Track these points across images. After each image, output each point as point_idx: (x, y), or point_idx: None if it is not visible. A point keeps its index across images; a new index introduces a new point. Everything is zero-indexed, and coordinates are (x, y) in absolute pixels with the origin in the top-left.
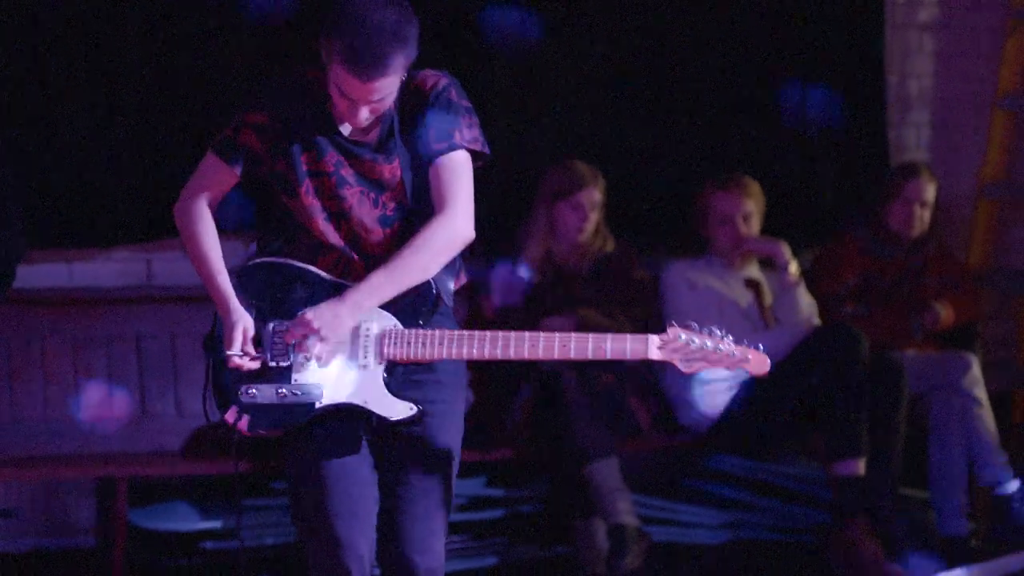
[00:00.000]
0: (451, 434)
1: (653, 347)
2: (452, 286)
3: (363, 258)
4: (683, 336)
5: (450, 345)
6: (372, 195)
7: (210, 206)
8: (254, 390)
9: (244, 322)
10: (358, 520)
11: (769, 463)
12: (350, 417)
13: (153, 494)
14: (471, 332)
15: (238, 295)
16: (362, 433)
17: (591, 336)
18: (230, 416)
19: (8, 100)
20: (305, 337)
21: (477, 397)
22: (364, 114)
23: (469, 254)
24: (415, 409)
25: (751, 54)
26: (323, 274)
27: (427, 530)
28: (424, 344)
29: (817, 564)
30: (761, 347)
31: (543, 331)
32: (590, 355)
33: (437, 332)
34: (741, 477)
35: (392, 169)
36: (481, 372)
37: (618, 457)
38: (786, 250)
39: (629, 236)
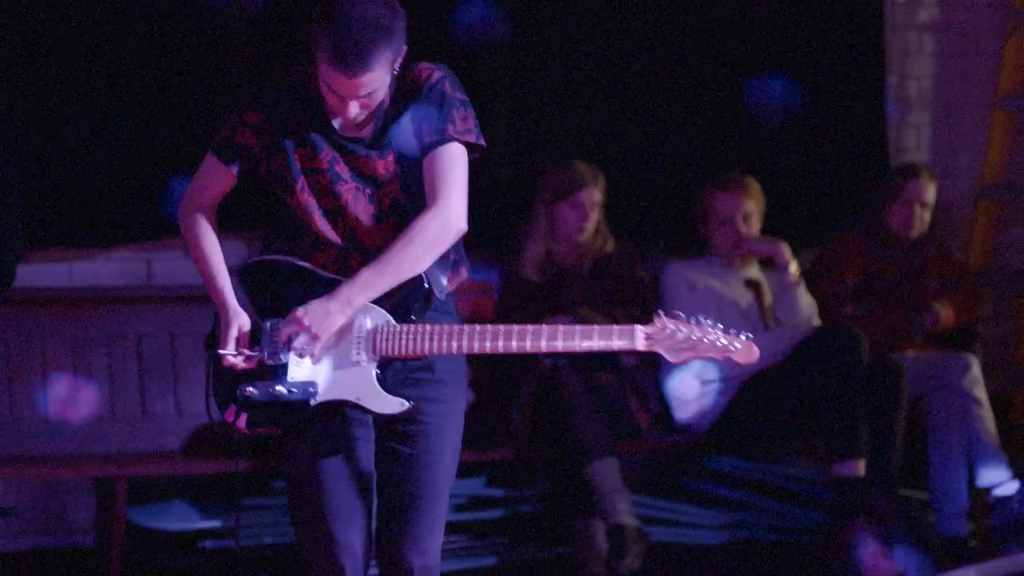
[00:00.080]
0: (450, 433)
1: (640, 338)
2: (445, 281)
3: (361, 254)
4: (670, 326)
5: (440, 340)
6: (368, 191)
7: (211, 206)
8: (251, 388)
9: (239, 321)
10: (354, 519)
11: (769, 463)
12: (347, 415)
13: (152, 493)
14: (461, 326)
15: (238, 294)
16: (360, 431)
17: (579, 328)
18: (229, 415)
19: (8, 100)
20: (297, 334)
21: (477, 396)
22: (354, 109)
23: (464, 248)
24: (407, 404)
25: (752, 55)
26: (320, 271)
27: (423, 529)
28: (415, 339)
29: (816, 565)
30: (749, 336)
31: None
32: (578, 347)
33: (428, 327)
34: (741, 478)
35: (387, 164)
36: (481, 371)
37: (618, 457)
38: (786, 250)
39: (629, 236)
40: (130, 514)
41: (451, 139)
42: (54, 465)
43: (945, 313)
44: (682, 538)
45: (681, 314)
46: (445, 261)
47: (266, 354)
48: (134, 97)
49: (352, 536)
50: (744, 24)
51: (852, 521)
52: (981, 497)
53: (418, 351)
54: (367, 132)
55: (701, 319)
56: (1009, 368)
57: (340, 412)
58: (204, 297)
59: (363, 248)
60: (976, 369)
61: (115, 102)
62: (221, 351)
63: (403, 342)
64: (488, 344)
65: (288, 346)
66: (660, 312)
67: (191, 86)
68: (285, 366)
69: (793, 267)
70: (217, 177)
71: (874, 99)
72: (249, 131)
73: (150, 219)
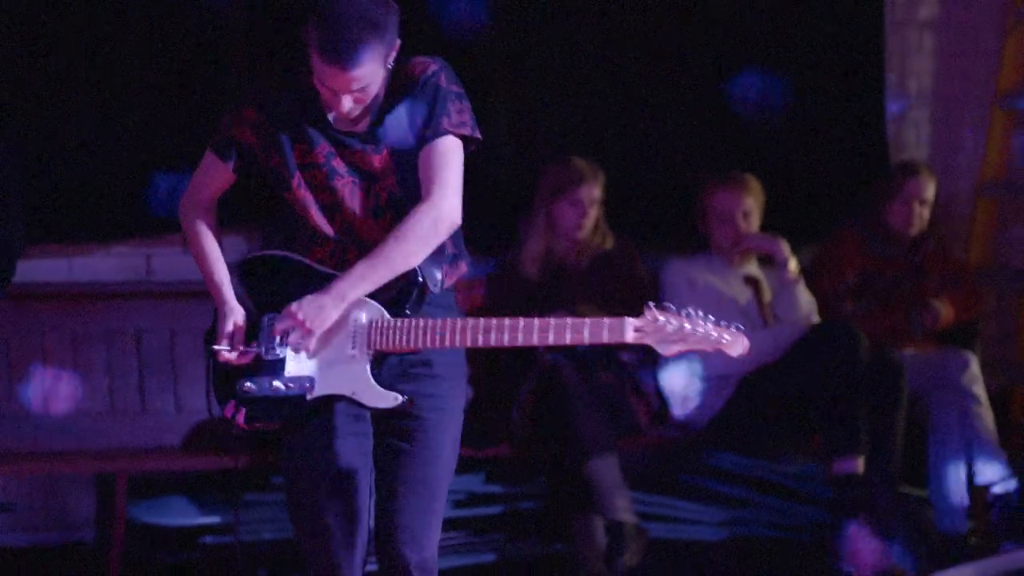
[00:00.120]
0: (448, 429)
1: (629, 330)
2: (440, 275)
3: (359, 248)
4: (659, 319)
5: (432, 334)
6: (364, 185)
7: (211, 202)
8: (250, 383)
9: (235, 316)
10: (351, 514)
11: (768, 460)
12: (346, 410)
13: (152, 489)
14: (453, 320)
15: (237, 289)
16: (358, 426)
17: (569, 321)
18: (228, 410)
19: (8, 96)
20: (292, 329)
21: (477, 393)
22: (347, 104)
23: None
24: (400, 399)
25: (751, 52)
26: (316, 266)
27: (421, 525)
28: (408, 333)
29: (816, 562)
30: (740, 328)
31: None
32: (568, 340)
33: (421, 321)
34: (740, 474)
35: (382, 158)
36: (481, 368)
37: (617, 454)
38: (785, 247)
39: (629, 233)
40: (130, 510)
41: (446, 132)
42: (54, 461)
43: (945, 311)
44: (681, 535)
45: (671, 306)
46: (442, 255)
47: (263, 349)
48: (134, 93)
49: (349, 531)
50: (744, 21)
51: (852, 518)
52: (980, 495)
53: (411, 345)
54: (363, 126)
55: (691, 311)
56: (1009, 366)
57: (338, 407)
58: (204, 293)
59: (361, 242)
60: (976, 367)
61: (115, 98)
62: (215, 347)
63: (397, 336)
64: (480, 338)
65: (284, 341)
66: (650, 305)
67: (191, 82)
68: (282, 361)
69: (792, 264)
70: (216, 174)
71: (874, 97)
72: (247, 127)
73: (149, 215)
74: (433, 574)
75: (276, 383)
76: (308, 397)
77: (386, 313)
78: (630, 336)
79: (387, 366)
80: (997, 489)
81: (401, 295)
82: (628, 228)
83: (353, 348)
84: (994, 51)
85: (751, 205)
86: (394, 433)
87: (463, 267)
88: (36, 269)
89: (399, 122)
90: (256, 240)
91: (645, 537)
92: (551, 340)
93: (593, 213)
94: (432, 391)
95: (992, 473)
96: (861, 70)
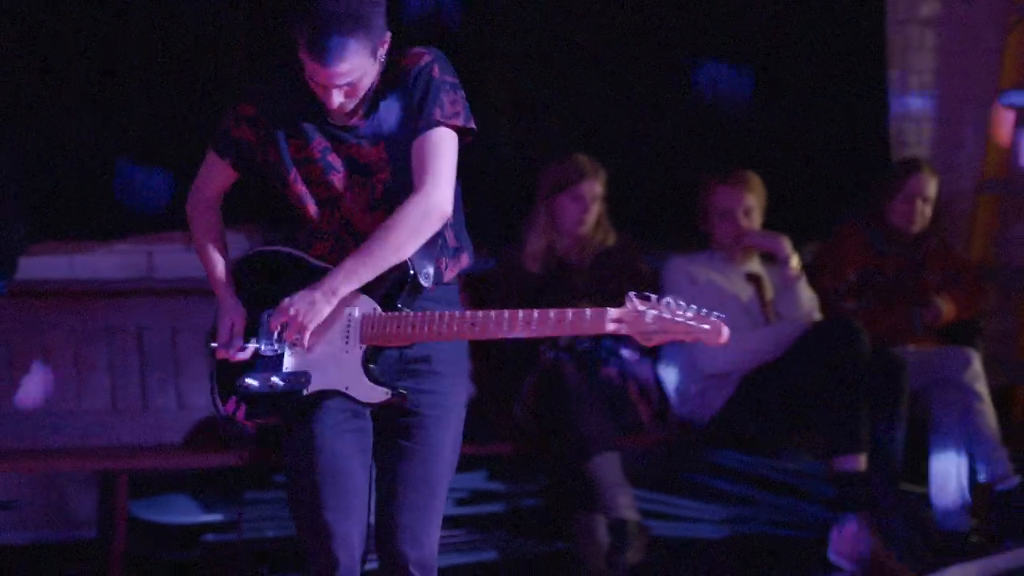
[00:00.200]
0: (449, 426)
1: (608, 320)
2: (432, 269)
3: (357, 242)
4: (640, 308)
5: (422, 326)
6: (360, 179)
7: (215, 200)
8: (250, 380)
9: (232, 314)
10: (351, 511)
11: (770, 458)
12: (345, 406)
13: (154, 487)
14: (441, 313)
15: (237, 286)
16: (359, 423)
17: (553, 311)
18: (230, 406)
19: (9, 93)
20: (286, 325)
21: (479, 390)
22: (337, 98)
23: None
24: (390, 393)
25: (754, 49)
26: (313, 261)
27: (421, 522)
28: (399, 327)
29: (818, 559)
30: (721, 316)
31: None
32: (551, 330)
33: (411, 314)
34: (742, 472)
35: (378, 152)
36: (483, 365)
37: (619, 452)
38: (787, 245)
39: (631, 230)
40: (132, 508)
41: (438, 123)
42: (56, 458)
43: (946, 308)
44: (683, 532)
45: (652, 296)
46: (440, 248)
47: (262, 345)
48: (135, 90)
49: (348, 528)
50: (746, 18)
51: (853, 516)
52: (982, 492)
53: (402, 338)
54: (357, 120)
55: (671, 300)
56: (1010, 363)
57: (337, 403)
58: (205, 290)
59: (359, 236)
60: (977, 364)
61: (116, 95)
62: (213, 344)
63: (388, 330)
64: (467, 330)
65: (280, 337)
66: (631, 296)
67: (192, 79)
68: (281, 357)
69: (794, 261)
70: (218, 171)
71: (875, 94)
72: (245, 124)
73: (151, 212)
74: (433, 571)
75: (274, 379)
76: (305, 392)
77: (379, 307)
78: (610, 326)
79: (387, 362)
80: (999, 487)
81: (393, 289)
82: (630, 225)
83: (347, 343)
84: (995, 48)
85: (753, 202)
86: (394, 430)
87: (465, 260)
88: (37, 266)
89: (393, 114)
90: (258, 237)
91: (647, 535)
92: (534, 330)
93: (595, 209)
94: (432, 388)
95: (993, 471)
96: (863, 67)
